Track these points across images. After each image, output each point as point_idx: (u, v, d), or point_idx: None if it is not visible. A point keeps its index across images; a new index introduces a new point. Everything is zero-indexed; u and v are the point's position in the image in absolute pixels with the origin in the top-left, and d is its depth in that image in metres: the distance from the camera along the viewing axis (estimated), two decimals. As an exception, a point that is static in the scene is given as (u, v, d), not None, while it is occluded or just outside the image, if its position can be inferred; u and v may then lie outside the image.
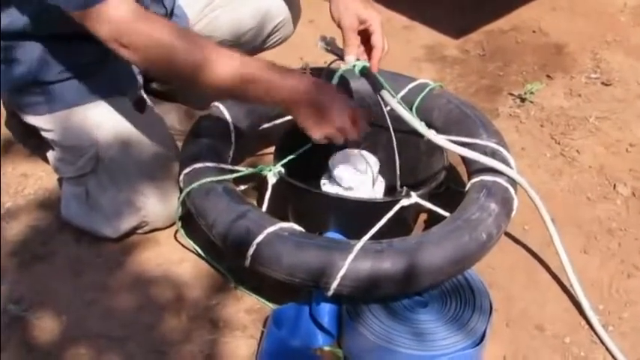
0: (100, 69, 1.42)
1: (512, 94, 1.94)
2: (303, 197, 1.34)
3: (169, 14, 1.54)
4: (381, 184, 1.44)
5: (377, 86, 1.32)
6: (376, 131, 1.39)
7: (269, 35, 1.70)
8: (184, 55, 1.22)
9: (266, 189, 1.34)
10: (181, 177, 1.36)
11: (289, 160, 1.36)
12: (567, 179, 1.67)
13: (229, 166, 1.38)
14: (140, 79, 1.52)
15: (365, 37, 1.35)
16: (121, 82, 1.47)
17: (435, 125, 1.46)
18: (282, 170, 1.33)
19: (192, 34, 1.26)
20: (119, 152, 1.44)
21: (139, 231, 1.50)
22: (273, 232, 1.21)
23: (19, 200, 1.59)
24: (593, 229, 1.54)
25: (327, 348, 1.27)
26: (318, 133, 1.26)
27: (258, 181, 1.46)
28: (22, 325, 1.33)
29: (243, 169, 1.37)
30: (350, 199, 1.32)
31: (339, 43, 1.37)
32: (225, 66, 1.22)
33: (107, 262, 1.45)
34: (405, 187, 1.30)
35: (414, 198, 1.27)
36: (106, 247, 1.48)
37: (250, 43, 1.68)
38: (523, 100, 1.91)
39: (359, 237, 1.22)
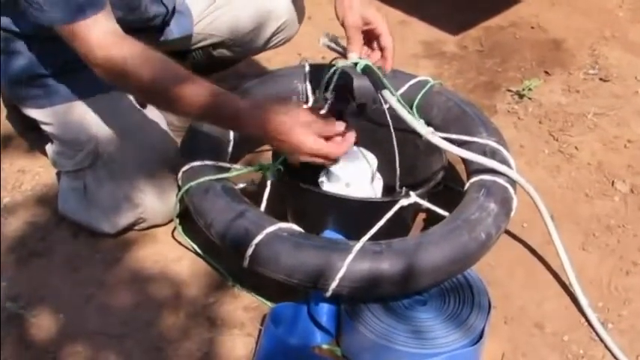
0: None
1: (510, 91, 1.92)
2: (301, 196, 1.32)
3: (170, 12, 1.52)
4: (379, 182, 1.42)
5: (379, 85, 1.29)
6: (375, 129, 1.37)
7: (272, 36, 1.69)
8: (155, 85, 1.21)
9: (265, 188, 1.32)
10: (180, 174, 1.35)
11: (287, 158, 1.32)
12: (566, 176, 1.66)
13: (228, 164, 1.37)
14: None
15: (368, 37, 1.33)
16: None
17: (434, 123, 1.44)
18: (281, 168, 1.31)
19: (167, 63, 1.24)
20: (118, 148, 1.43)
21: (137, 227, 1.48)
22: (271, 232, 1.20)
23: (17, 196, 1.58)
24: (591, 226, 1.53)
25: (325, 346, 1.26)
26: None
27: (257, 180, 1.43)
28: (19, 323, 1.31)
29: (242, 168, 1.36)
30: (349, 198, 1.30)
31: (342, 42, 1.35)
32: (195, 99, 1.21)
33: (105, 259, 1.44)
34: (404, 187, 1.28)
35: (414, 198, 1.26)
36: (103, 243, 1.46)
37: (252, 43, 1.67)
38: (521, 96, 1.89)
39: (358, 237, 1.20)
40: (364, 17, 1.30)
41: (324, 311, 1.24)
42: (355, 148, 1.41)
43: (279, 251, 1.18)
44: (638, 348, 1.29)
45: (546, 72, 1.99)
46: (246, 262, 1.21)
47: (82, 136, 1.42)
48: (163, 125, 1.53)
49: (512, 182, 1.33)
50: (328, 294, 1.18)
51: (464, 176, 1.42)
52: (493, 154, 1.37)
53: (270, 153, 1.44)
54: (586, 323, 1.33)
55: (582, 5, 2.27)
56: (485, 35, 2.15)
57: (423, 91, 1.51)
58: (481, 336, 1.19)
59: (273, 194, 1.32)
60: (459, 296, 1.25)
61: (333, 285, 1.16)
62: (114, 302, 1.35)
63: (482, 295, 1.25)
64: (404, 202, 1.25)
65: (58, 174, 1.56)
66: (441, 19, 2.19)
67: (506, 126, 1.77)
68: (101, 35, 1.20)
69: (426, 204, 1.30)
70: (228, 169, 1.35)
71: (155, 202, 1.44)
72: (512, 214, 1.32)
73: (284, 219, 1.27)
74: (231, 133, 1.42)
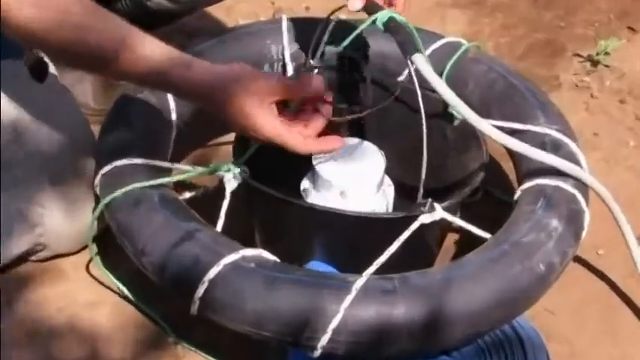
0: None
1: (579, 55, 1.95)
2: (276, 210, 1.33)
3: None
4: (389, 190, 1.44)
5: (409, 48, 1.30)
6: (385, 113, 1.39)
7: None
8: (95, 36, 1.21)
9: (223, 198, 1.32)
10: (98, 179, 1.35)
11: (255, 155, 1.34)
12: (659, 179, 1.69)
13: (168, 164, 1.37)
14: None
15: None
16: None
17: (470, 103, 1.44)
18: (246, 170, 1.32)
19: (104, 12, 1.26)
20: (7, 142, 1.43)
21: (35, 257, 1.49)
22: (232, 262, 1.19)
23: None
24: (695, 252, 1.55)
25: None
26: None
27: (211, 186, 1.44)
28: None
29: (190, 169, 1.37)
30: (345, 213, 1.30)
31: None
32: (142, 57, 1.22)
33: (-12, 305, 1.44)
34: (428, 197, 1.29)
35: (440, 212, 1.26)
36: (-14, 281, 1.47)
37: None
38: (595, 63, 1.92)
39: (359, 269, 1.21)
40: None
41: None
42: (354, 140, 1.43)
43: (244, 290, 1.18)
44: None
45: (630, 28, 2.03)
46: (195, 308, 1.20)
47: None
48: (73, 107, 1.53)
49: (584, 188, 1.34)
50: (316, 354, 1.18)
51: (513, 179, 1.43)
52: (555, 147, 1.38)
53: (229, 147, 1.44)
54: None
55: None
56: (543, -26, 2.19)
57: (455, 57, 1.53)
58: (538, 413, 1.21)
59: (235, 207, 1.32)
60: (506, 357, 1.25)
61: (324, 340, 1.16)
62: (0, 368, 1.36)
63: (539, 355, 1.25)
64: (425, 218, 1.26)
65: None
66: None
67: (574, 107, 1.79)
68: None
69: (457, 221, 1.31)
70: (169, 171, 1.35)
71: (60, 220, 1.45)
72: (584, 234, 1.33)
73: (251, 243, 1.28)
74: (174, 115, 1.44)
